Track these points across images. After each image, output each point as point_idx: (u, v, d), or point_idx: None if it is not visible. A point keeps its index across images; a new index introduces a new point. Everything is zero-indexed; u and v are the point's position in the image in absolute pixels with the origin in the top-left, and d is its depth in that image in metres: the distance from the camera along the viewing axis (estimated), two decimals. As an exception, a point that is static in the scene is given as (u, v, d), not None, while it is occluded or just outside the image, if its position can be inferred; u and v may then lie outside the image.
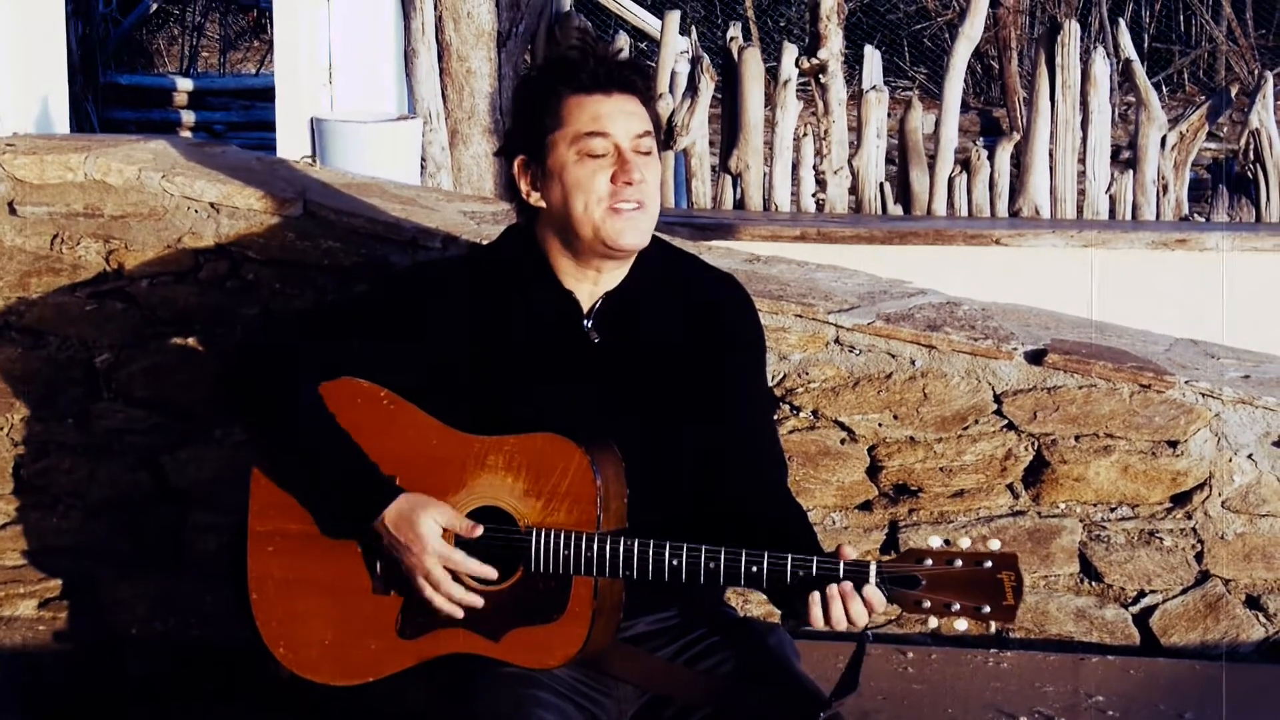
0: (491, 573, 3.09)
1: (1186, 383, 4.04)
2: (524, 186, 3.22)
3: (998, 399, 4.07)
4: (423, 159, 8.31)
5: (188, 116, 13.03)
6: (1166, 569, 4.11)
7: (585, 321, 3.23)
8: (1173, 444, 4.05)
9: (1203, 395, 4.04)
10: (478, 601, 3.09)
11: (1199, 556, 4.10)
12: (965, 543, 2.96)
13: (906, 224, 8.85)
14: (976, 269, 8.28)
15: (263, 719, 3.87)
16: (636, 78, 3.22)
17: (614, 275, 3.24)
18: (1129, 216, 9.05)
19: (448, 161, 8.42)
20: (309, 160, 4.69)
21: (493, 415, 3.14)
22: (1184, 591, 4.13)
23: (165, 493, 4.26)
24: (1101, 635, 4.14)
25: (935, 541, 2.97)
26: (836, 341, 4.09)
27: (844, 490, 4.14)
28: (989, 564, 2.94)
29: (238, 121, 12.93)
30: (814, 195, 9.25)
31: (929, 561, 2.95)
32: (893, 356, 4.08)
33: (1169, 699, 3.86)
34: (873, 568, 2.98)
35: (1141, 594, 4.13)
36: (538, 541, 3.07)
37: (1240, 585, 4.11)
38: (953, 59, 9.36)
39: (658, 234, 3.27)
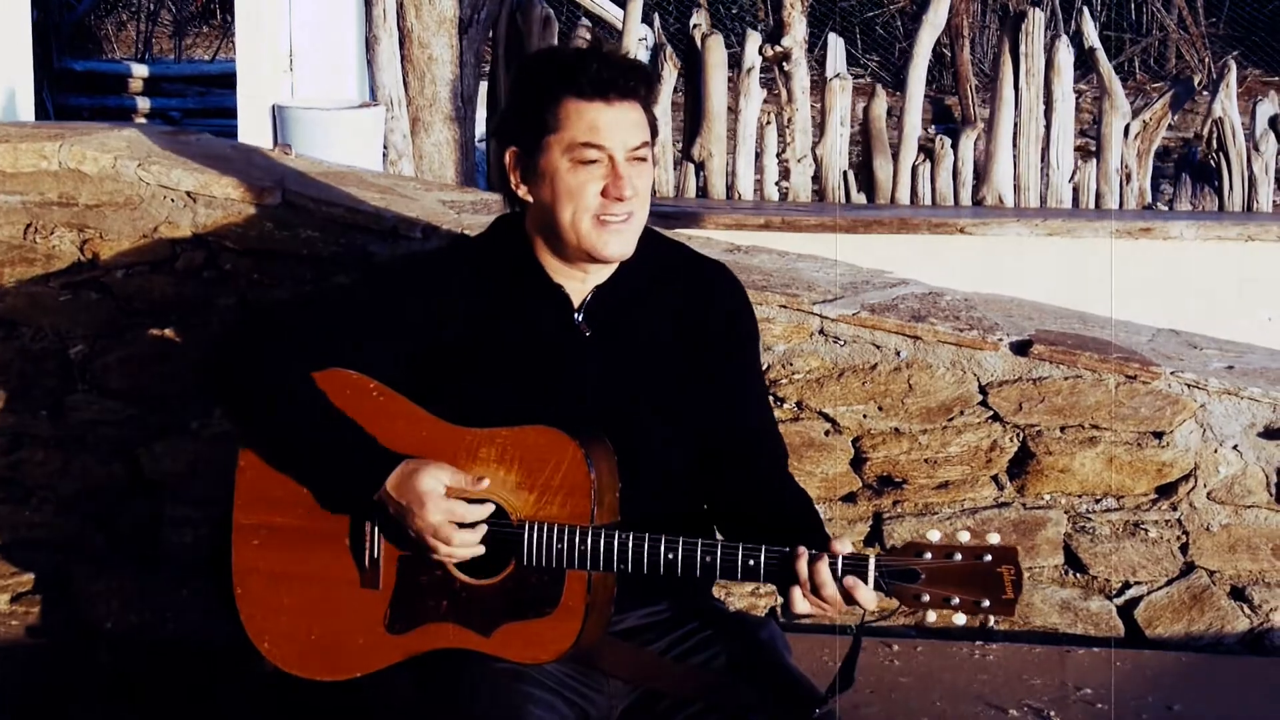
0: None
1: (1172, 374, 4.02)
2: (514, 179, 3.17)
3: (983, 390, 4.05)
4: (384, 146, 8.26)
5: (143, 103, 12.91)
6: (1151, 560, 4.09)
7: (576, 315, 3.19)
8: (1158, 435, 4.04)
9: (1188, 386, 4.02)
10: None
11: (1184, 548, 4.09)
12: (964, 536, 2.94)
13: (871, 212, 8.84)
14: (941, 257, 8.27)
15: (245, 715, 3.83)
16: (639, 84, 3.12)
17: (603, 271, 3.20)
18: (1092, 205, 9.06)
19: (409, 149, 8.37)
20: (284, 149, 4.62)
21: (484, 408, 3.10)
22: (1169, 583, 4.12)
23: (140, 485, 4.20)
24: (1086, 627, 4.13)
25: (934, 535, 2.95)
26: (821, 332, 4.06)
27: (828, 482, 4.11)
28: (988, 557, 2.91)
29: (194, 108, 12.81)
30: (777, 183, 9.24)
31: (928, 555, 2.93)
32: (877, 347, 4.06)
33: (1157, 691, 3.84)
34: (871, 562, 2.95)
35: (1126, 585, 4.12)
36: (531, 535, 3.03)
37: (1225, 576, 4.10)
38: (916, 46, 9.36)
39: (648, 226, 3.23)
